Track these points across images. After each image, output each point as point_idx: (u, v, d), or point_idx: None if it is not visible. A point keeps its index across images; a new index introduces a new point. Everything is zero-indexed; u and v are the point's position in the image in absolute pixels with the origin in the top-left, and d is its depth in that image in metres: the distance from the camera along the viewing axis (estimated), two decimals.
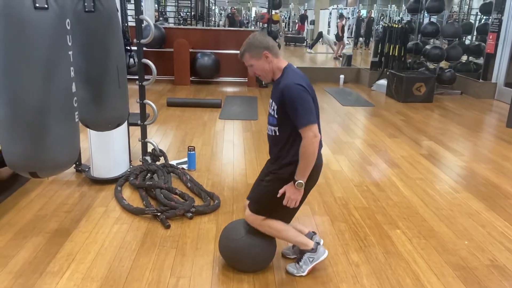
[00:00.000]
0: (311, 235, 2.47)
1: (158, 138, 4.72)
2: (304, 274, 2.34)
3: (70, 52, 1.92)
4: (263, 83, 8.14)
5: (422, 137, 5.20)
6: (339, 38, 13.43)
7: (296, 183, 2.08)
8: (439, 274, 2.44)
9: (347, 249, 2.65)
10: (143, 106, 3.63)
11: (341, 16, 14.37)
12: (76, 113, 2.01)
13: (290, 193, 2.12)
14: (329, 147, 4.68)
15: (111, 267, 2.37)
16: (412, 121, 5.99)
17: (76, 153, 2.08)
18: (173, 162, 3.87)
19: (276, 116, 2.14)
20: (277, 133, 2.17)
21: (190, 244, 2.64)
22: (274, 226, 2.27)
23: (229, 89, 7.95)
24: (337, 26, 13.61)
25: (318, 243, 2.37)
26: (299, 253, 2.40)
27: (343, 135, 5.19)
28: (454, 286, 2.33)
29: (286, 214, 2.28)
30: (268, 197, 2.21)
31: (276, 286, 2.27)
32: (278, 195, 2.15)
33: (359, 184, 3.70)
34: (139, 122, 3.65)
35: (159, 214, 2.91)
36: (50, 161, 1.91)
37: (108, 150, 3.43)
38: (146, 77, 3.63)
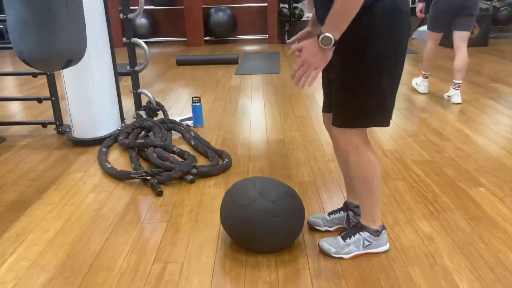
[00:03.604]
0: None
1: (163, 97, 3.99)
2: (346, 257, 1.56)
3: None
4: (286, 38, 7.22)
5: (484, 80, 4.21)
6: None
7: (321, 37, 1.24)
8: None
9: (411, 216, 1.84)
10: (131, 47, 2.87)
11: None
12: None
13: (307, 51, 1.27)
14: None
15: (73, 250, 1.67)
16: (468, 65, 4.96)
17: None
18: (176, 119, 3.13)
19: None
20: None
21: (187, 215, 1.90)
22: (374, 163, 1.47)
23: (248, 48, 7.08)
24: None
25: (383, 227, 1.59)
26: (352, 226, 1.62)
27: None
28: None
29: (385, 114, 1.46)
30: (350, 96, 1.40)
31: (312, 276, 1.50)
32: (290, 51, 1.33)
33: (415, 134, 2.83)
34: (128, 68, 2.90)
35: (149, 178, 2.18)
36: None
37: (90, 104, 2.71)
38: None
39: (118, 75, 2.91)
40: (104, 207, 1.99)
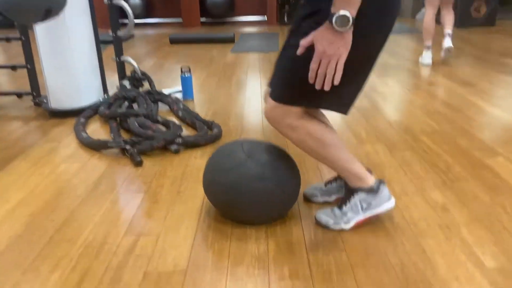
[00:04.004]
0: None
1: (152, 72, 3.75)
2: (347, 227, 1.34)
3: None
4: (286, 20, 6.96)
5: (494, 56, 3.97)
6: None
7: (335, 18, 1.01)
8: None
9: (422, 185, 1.62)
10: (113, 9, 2.63)
11: None
12: None
13: (321, 41, 1.05)
14: (373, 71, 3.56)
15: (33, 222, 1.45)
16: (475, 43, 4.73)
17: None
18: (164, 91, 2.90)
19: None
20: None
21: (168, 186, 1.68)
22: (317, 133, 1.26)
23: (246, 29, 6.82)
24: None
25: (382, 181, 1.35)
26: (345, 192, 1.39)
27: (388, 58, 4.03)
28: None
29: (341, 98, 1.22)
30: (300, 65, 1.15)
31: (307, 249, 1.28)
32: (299, 51, 1.10)
33: (422, 105, 2.61)
34: (110, 33, 2.66)
35: (128, 147, 1.96)
36: None
37: (68, 71, 2.48)
38: None
39: (100, 41, 2.67)
40: (75, 177, 1.77)
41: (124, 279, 1.16)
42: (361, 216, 1.33)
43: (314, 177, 1.73)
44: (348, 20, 1.01)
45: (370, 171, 1.42)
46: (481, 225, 1.36)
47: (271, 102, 1.25)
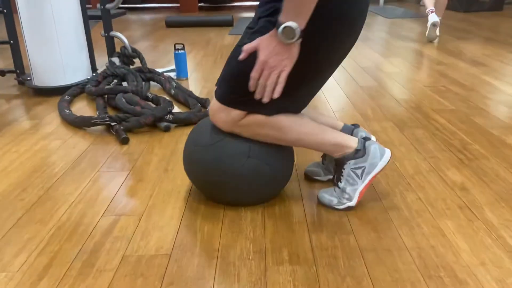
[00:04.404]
0: (350, 129, 1.29)
1: (146, 53, 3.57)
2: (352, 204, 1.18)
3: None
4: None
5: (504, 37, 3.79)
6: None
7: (280, 29, 0.93)
8: None
9: (437, 164, 1.46)
10: None
11: None
12: None
13: (265, 50, 0.97)
14: (378, 52, 3.39)
15: (1, 202, 1.29)
16: (483, 25, 4.54)
17: None
18: (158, 70, 2.73)
19: None
20: None
21: (156, 164, 1.52)
22: (268, 121, 1.11)
23: (245, 14, 6.62)
24: None
25: (366, 139, 1.18)
26: (335, 167, 1.22)
27: (393, 40, 3.85)
28: None
29: (289, 99, 1.10)
30: (245, 69, 1.04)
31: (310, 231, 1.12)
32: (241, 56, 1.02)
33: (432, 84, 2.44)
34: (98, 6, 2.48)
35: (114, 124, 1.80)
36: None
37: (52, 45, 2.30)
38: None
39: (87, 15, 2.50)
40: (53, 155, 1.61)
41: (98, 264, 1.00)
42: (361, 186, 1.16)
43: (315, 152, 1.57)
44: (294, 33, 0.92)
45: (356, 126, 1.29)
46: (506, 205, 1.20)
47: (215, 102, 1.15)
